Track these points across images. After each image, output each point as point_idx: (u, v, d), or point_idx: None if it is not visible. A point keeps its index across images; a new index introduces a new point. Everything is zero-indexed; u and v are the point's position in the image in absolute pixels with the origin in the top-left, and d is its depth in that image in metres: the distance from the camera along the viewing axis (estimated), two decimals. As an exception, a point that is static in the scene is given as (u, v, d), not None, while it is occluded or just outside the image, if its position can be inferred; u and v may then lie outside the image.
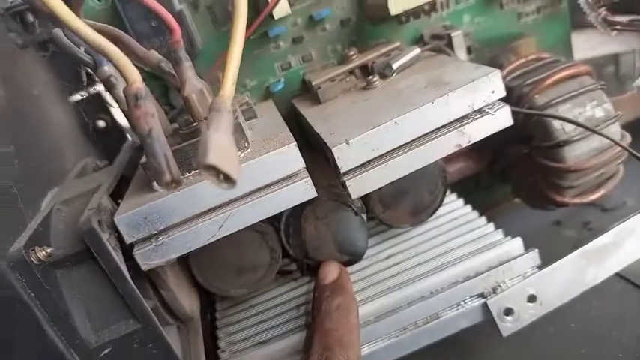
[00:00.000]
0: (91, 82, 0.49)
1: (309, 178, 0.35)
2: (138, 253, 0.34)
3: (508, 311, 0.41)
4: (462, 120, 0.37)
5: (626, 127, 0.49)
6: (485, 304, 0.41)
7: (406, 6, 0.43)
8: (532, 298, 0.41)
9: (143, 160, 0.36)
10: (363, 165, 0.36)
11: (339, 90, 0.45)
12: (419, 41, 0.51)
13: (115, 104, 0.49)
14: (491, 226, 0.48)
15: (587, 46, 0.62)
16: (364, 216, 0.46)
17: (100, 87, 0.49)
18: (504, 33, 0.54)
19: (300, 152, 0.35)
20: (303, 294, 0.46)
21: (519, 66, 0.50)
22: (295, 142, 0.35)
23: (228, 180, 0.23)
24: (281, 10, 0.43)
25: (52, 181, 0.41)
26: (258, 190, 0.35)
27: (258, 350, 0.42)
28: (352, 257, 0.45)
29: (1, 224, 0.33)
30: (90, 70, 0.43)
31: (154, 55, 0.37)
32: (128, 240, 0.34)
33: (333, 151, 0.35)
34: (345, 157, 0.35)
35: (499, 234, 0.46)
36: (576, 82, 0.46)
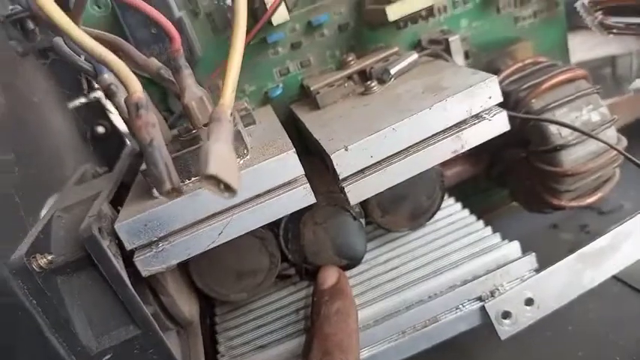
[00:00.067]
0: (91, 88, 0.49)
1: (308, 184, 0.35)
2: (138, 260, 0.34)
3: (506, 314, 0.42)
4: (459, 125, 0.38)
5: (624, 129, 0.49)
6: (483, 308, 0.42)
7: (404, 11, 0.43)
8: (530, 302, 0.42)
9: (143, 167, 0.37)
10: (361, 171, 0.37)
11: (338, 95, 0.46)
12: (417, 46, 0.52)
13: (114, 111, 0.49)
14: (489, 229, 0.48)
15: (584, 47, 0.63)
16: (362, 220, 0.46)
17: (99, 93, 0.49)
18: (501, 37, 0.54)
19: (299, 158, 0.35)
20: (303, 298, 0.46)
21: (516, 70, 0.50)
22: (294, 149, 0.35)
23: (228, 189, 0.23)
24: (280, 16, 0.44)
25: (52, 187, 0.41)
26: (258, 196, 0.35)
27: (258, 355, 0.43)
28: (351, 262, 0.45)
29: (2, 232, 0.33)
30: (90, 78, 0.43)
31: (154, 62, 0.37)
32: (128, 247, 0.34)
33: (331, 157, 0.35)
34: (343, 163, 0.36)
35: (497, 237, 0.47)
36: (573, 86, 0.47)
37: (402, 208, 0.47)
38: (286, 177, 0.35)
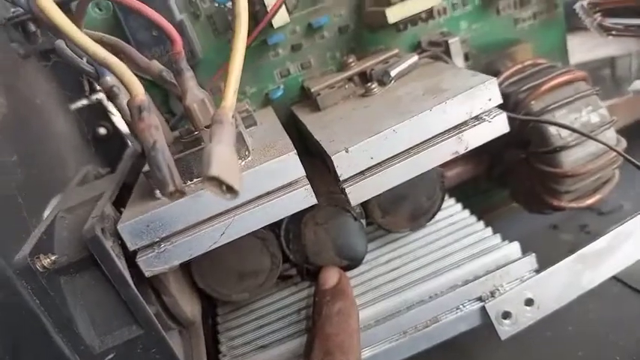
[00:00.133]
0: (93, 90, 0.49)
1: (309, 185, 0.36)
2: (141, 260, 0.34)
3: (506, 315, 0.42)
4: (459, 127, 0.38)
5: (623, 130, 0.49)
6: (483, 308, 0.42)
7: (404, 14, 0.43)
8: (530, 302, 0.42)
9: (145, 168, 0.37)
10: (362, 172, 0.37)
11: (338, 97, 0.46)
12: (417, 48, 0.52)
13: (116, 112, 0.49)
14: (489, 230, 0.48)
15: (583, 48, 0.63)
16: (363, 221, 0.46)
17: (101, 95, 0.50)
18: (501, 39, 0.54)
19: (300, 158, 0.35)
20: (304, 299, 0.47)
21: (516, 72, 0.50)
22: (295, 150, 0.35)
23: (230, 190, 0.24)
24: (280, 18, 0.44)
25: (55, 189, 0.41)
26: (259, 197, 0.35)
27: (260, 354, 0.43)
28: (352, 262, 0.45)
29: (6, 232, 0.33)
30: (92, 80, 0.43)
31: (156, 65, 0.37)
32: (131, 247, 0.34)
33: (332, 158, 0.36)
34: (344, 164, 0.36)
35: (497, 238, 0.47)
36: (572, 88, 0.47)
37: (403, 209, 0.47)
38: (287, 178, 0.35)
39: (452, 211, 0.52)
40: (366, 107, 0.42)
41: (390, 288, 0.45)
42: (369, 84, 0.44)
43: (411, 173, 0.38)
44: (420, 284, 0.44)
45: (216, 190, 0.23)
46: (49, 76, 0.48)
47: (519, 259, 0.44)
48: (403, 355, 0.43)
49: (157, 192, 0.35)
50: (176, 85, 0.35)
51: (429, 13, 0.51)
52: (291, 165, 0.35)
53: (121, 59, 0.29)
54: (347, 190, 0.37)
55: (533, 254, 0.44)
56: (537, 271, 0.43)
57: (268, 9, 0.43)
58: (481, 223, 0.49)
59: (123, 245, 0.34)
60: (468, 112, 0.38)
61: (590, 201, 0.49)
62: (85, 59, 0.38)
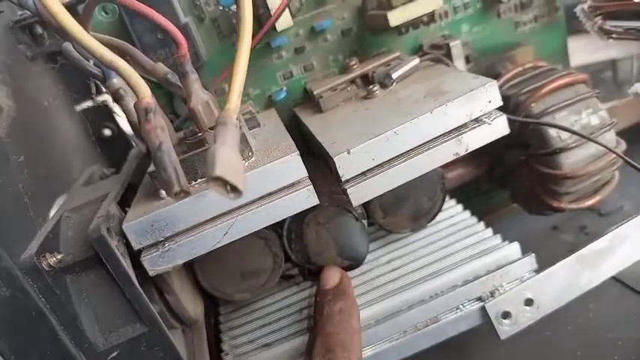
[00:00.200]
0: (99, 92, 0.50)
1: (312, 185, 0.36)
2: (145, 259, 0.35)
3: (506, 315, 0.42)
4: (459, 129, 0.38)
5: (623, 133, 0.50)
6: (483, 308, 0.42)
7: (405, 17, 0.44)
8: (529, 302, 0.42)
9: (151, 168, 0.37)
10: (363, 173, 0.37)
11: (340, 99, 0.46)
12: (418, 50, 0.52)
13: (121, 114, 0.50)
14: (490, 231, 0.49)
15: (585, 51, 0.63)
16: (365, 222, 0.47)
17: (106, 97, 0.50)
18: (502, 42, 0.55)
19: (302, 159, 0.36)
20: (306, 298, 0.47)
21: (516, 75, 0.51)
22: (298, 152, 0.36)
23: (234, 190, 0.24)
24: (283, 22, 0.44)
25: (61, 189, 0.42)
26: (262, 197, 0.36)
27: (261, 353, 0.43)
28: (353, 262, 0.46)
29: (12, 232, 0.33)
30: (99, 82, 0.44)
31: (161, 67, 0.38)
32: (136, 246, 0.35)
33: (334, 160, 0.36)
34: (346, 165, 0.37)
35: (497, 239, 0.47)
36: (572, 90, 0.47)
37: (404, 210, 0.48)
38: (290, 179, 0.36)
39: (453, 212, 0.52)
40: (367, 109, 0.43)
41: (390, 288, 0.45)
42: (371, 86, 0.45)
43: (411, 174, 0.38)
44: (421, 284, 0.44)
45: (220, 190, 0.24)
46: (56, 78, 0.49)
47: (519, 259, 0.44)
48: (403, 354, 0.43)
49: (162, 192, 0.36)
50: (181, 88, 0.36)
51: (431, 17, 0.52)
52: (293, 166, 0.36)
53: (127, 61, 0.30)
54: (348, 191, 0.37)
55: (533, 255, 0.44)
56: (537, 272, 0.43)
57: (272, 12, 0.44)
58: (481, 224, 0.50)
59: (127, 244, 0.35)
60: (469, 115, 0.38)
61: (589, 202, 0.49)
62: (91, 62, 0.38)
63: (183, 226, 0.35)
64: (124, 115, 0.42)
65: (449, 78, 0.43)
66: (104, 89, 0.49)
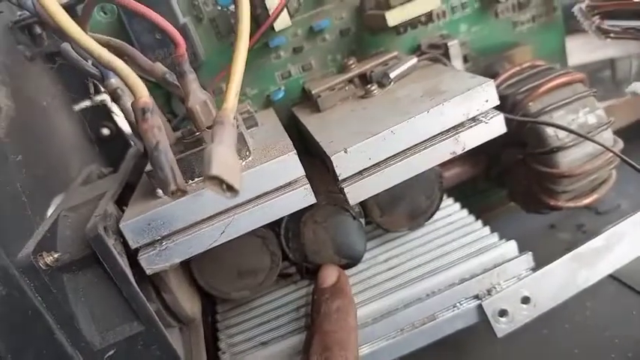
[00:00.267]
0: (97, 92, 0.50)
1: (309, 184, 0.36)
2: (142, 258, 0.35)
3: (502, 313, 0.42)
4: (456, 128, 0.38)
5: (622, 131, 0.50)
6: (480, 306, 0.42)
7: (403, 17, 0.44)
8: (526, 300, 0.42)
9: (148, 167, 0.38)
10: (360, 172, 0.37)
11: (338, 99, 0.46)
12: (417, 50, 0.53)
13: (120, 113, 0.50)
14: (487, 229, 0.49)
15: (583, 50, 0.63)
16: (362, 220, 0.47)
17: (105, 96, 0.50)
18: (500, 42, 0.55)
19: (300, 158, 0.36)
20: (303, 297, 0.47)
21: (514, 74, 0.51)
22: (295, 151, 0.36)
23: (231, 190, 0.24)
24: (282, 22, 0.44)
25: (58, 188, 0.42)
26: (259, 196, 0.36)
27: (259, 352, 0.43)
28: (351, 261, 0.46)
29: (10, 231, 0.34)
30: (97, 82, 0.44)
31: (159, 67, 0.38)
32: (133, 245, 0.35)
33: (332, 159, 0.36)
34: (343, 164, 0.37)
35: (494, 237, 0.47)
36: (569, 89, 0.47)
37: (402, 209, 0.48)
38: (287, 178, 0.36)
39: (450, 210, 0.52)
40: (365, 109, 0.43)
41: (388, 286, 0.45)
42: (369, 86, 0.45)
43: (408, 173, 0.38)
44: (418, 282, 0.44)
45: (216, 189, 0.24)
46: (55, 78, 0.49)
47: (516, 257, 0.44)
48: (401, 352, 0.43)
49: (159, 191, 0.36)
50: (179, 87, 0.36)
51: (429, 17, 0.52)
52: (290, 165, 0.36)
53: (126, 61, 0.30)
54: (345, 190, 0.37)
55: (530, 253, 0.44)
56: (534, 270, 0.43)
57: (270, 12, 0.44)
58: (479, 223, 0.50)
59: (125, 243, 0.35)
60: (466, 114, 0.38)
61: (587, 201, 0.49)
62: (90, 62, 0.38)
63: (181, 225, 0.35)
64: (122, 114, 0.42)
65: (446, 77, 0.43)
66: (102, 89, 0.49)
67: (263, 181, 0.36)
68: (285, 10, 0.44)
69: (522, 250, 0.45)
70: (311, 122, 0.45)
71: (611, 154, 0.46)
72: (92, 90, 0.49)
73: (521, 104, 0.47)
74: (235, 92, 0.30)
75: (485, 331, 0.43)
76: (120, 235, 0.35)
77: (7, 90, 0.40)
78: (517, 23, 0.55)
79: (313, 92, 0.47)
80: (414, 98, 0.41)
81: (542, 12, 0.55)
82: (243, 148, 0.37)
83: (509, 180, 0.55)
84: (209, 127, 0.34)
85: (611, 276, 0.47)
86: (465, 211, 0.52)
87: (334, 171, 0.37)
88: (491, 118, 0.39)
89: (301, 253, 0.45)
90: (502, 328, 0.42)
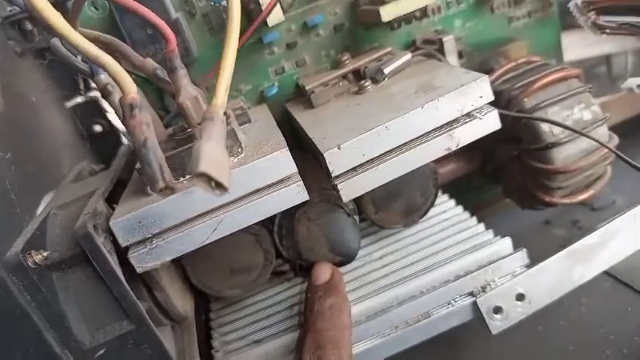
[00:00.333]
0: (88, 88, 0.50)
1: (302, 181, 0.36)
2: (132, 256, 0.35)
3: (497, 310, 0.42)
4: (451, 124, 0.38)
5: (617, 127, 0.50)
6: (474, 303, 0.42)
7: (397, 12, 0.44)
8: (521, 297, 0.42)
9: (138, 164, 0.37)
10: (354, 169, 0.37)
11: (332, 94, 0.46)
12: (411, 45, 0.52)
13: (111, 110, 0.50)
14: (482, 226, 0.48)
15: (579, 46, 0.63)
16: (356, 217, 0.46)
17: (96, 92, 0.50)
18: (495, 37, 0.54)
19: (293, 154, 0.36)
20: (297, 294, 0.47)
21: (509, 69, 0.51)
22: (287, 147, 0.35)
23: (219, 187, 0.24)
24: (275, 17, 0.44)
25: (49, 185, 0.42)
26: (251, 193, 0.36)
27: (252, 350, 0.43)
28: (345, 258, 0.46)
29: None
30: (87, 78, 0.44)
31: (150, 63, 0.37)
32: (123, 243, 0.34)
33: (324, 155, 0.36)
34: (336, 161, 0.36)
35: (489, 234, 0.47)
36: (565, 85, 0.47)
37: (396, 205, 0.48)
38: (280, 175, 0.36)
39: (445, 207, 0.52)
40: (359, 104, 0.42)
41: (382, 283, 0.45)
42: (363, 81, 0.45)
43: (402, 170, 0.38)
44: (412, 280, 0.44)
45: (205, 186, 0.24)
46: (45, 74, 0.48)
47: (511, 254, 0.44)
48: (395, 350, 0.43)
49: (150, 188, 0.36)
50: (170, 83, 0.36)
51: (423, 12, 0.51)
52: (283, 161, 0.35)
53: (117, 57, 0.29)
54: (339, 187, 0.37)
55: (525, 249, 0.44)
56: (529, 267, 0.43)
57: (263, 7, 0.43)
58: (474, 219, 0.50)
59: (115, 241, 0.34)
60: (460, 110, 0.38)
61: (582, 197, 0.49)
62: (79, 57, 0.38)
63: (172, 223, 0.35)
64: (113, 111, 0.42)
65: (441, 73, 0.42)
66: (93, 85, 0.49)
67: (255, 178, 0.35)
68: (279, 5, 0.44)
69: (517, 246, 0.45)
70: (304, 118, 0.44)
71: (606, 150, 0.46)
72: (82, 86, 0.49)
73: (516, 100, 0.47)
74: (225, 88, 0.29)
75: (480, 329, 0.42)
76: (110, 233, 0.34)
77: (-2, 87, 0.40)
78: (513, 19, 0.55)
79: (307, 88, 0.46)
80: (408, 94, 0.40)
81: (538, 7, 0.55)
82: (236, 145, 0.36)
83: (504, 176, 0.55)
84: (200, 124, 0.34)
85: (606, 272, 0.47)
86: (459, 208, 0.52)
87: (327, 167, 0.36)
88: (486, 113, 0.38)
89: (295, 250, 0.45)
90: (497, 325, 0.42)
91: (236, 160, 0.36)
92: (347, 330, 0.39)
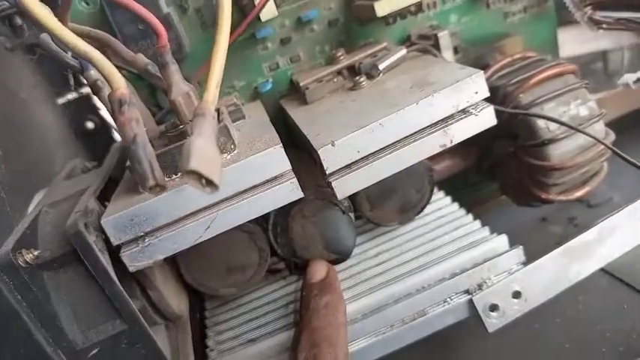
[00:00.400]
0: (78, 84, 0.49)
1: (295, 178, 0.35)
2: (125, 255, 0.34)
3: (493, 307, 0.42)
4: (446, 120, 0.38)
5: (613, 123, 0.49)
6: (470, 301, 0.42)
7: (392, 7, 0.43)
8: (517, 295, 0.42)
9: (129, 162, 0.37)
10: (348, 165, 0.37)
11: (327, 90, 0.46)
12: (406, 41, 0.52)
13: (102, 106, 0.49)
14: (478, 223, 0.48)
15: (575, 42, 0.63)
16: (352, 215, 0.46)
17: (87, 89, 0.49)
18: (491, 32, 0.54)
19: (288, 151, 0.35)
20: (292, 292, 0.46)
21: (505, 65, 0.50)
22: (281, 144, 0.35)
23: (210, 184, 0.23)
24: (268, 12, 0.44)
25: (40, 183, 0.41)
26: (245, 191, 0.35)
27: (247, 349, 0.43)
28: (340, 256, 0.45)
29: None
30: (77, 74, 0.43)
31: (141, 58, 0.37)
32: (115, 242, 0.34)
33: (319, 152, 0.36)
34: (330, 158, 0.36)
35: (485, 231, 0.47)
36: (561, 81, 0.47)
37: (392, 203, 0.47)
38: (273, 172, 0.35)
39: (441, 204, 0.52)
40: (353, 101, 0.42)
41: (378, 281, 0.45)
42: (358, 77, 0.44)
43: (397, 166, 0.38)
44: (408, 277, 0.44)
45: (195, 183, 0.23)
46: (35, 69, 0.48)
47: (507, 251, 0.44)
48: (390, 348, 0.43)
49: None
50: (161, 79, 0.35)
51: (419, 7, 0.51)
52: (276, 158, 0.35)
53: (108, 53, 0.29)
54: (333, 184, 0.37)
55: (521, 247, 0.44)
56: (525, 264, 0.43)
57: (256, 2, 0.43)
58: (470, 216, 0.49)
59: (107, 240, 0.34)
60: (455, 106, 0.38)
61: (578, 193, 0.49)
62: (69, 53, 0.37)
63: (164, 221, 0.34)
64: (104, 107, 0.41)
65: (436, 69, 0.42)
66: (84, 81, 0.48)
67: (248, 175, 0.35)
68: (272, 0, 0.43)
69: (513, 243, 0.45)
70: (298, 114, 0.44)
71: (602, 146, 0.45)
72: (72, 82, 0.48)
73: (512, 96, 0.47)
74: (216, 83, 0.29)
75: (476, 326, 0.42)
76: (102, 231, 0.34)
77: (-13, 83, 0.39)
78: (508, 14, 0.54)
79: (301, 84, 0.46)
80: (403, 90, 0.40)
81: (534, 3, 0.54)
82: (229, 142, 0.36)
83: (500, 173, 0.54)
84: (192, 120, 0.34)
85: (603, 270, 0.46)
86: (455, 205, 0.51)
87: (321, 164, 0.36)
88: (481, 110, 0.38)
89: (290, 248, 0.44)
90: (493, 323, 0.42)
91: (229, 156, 0.36)
92: (342, 328, 0.39)
